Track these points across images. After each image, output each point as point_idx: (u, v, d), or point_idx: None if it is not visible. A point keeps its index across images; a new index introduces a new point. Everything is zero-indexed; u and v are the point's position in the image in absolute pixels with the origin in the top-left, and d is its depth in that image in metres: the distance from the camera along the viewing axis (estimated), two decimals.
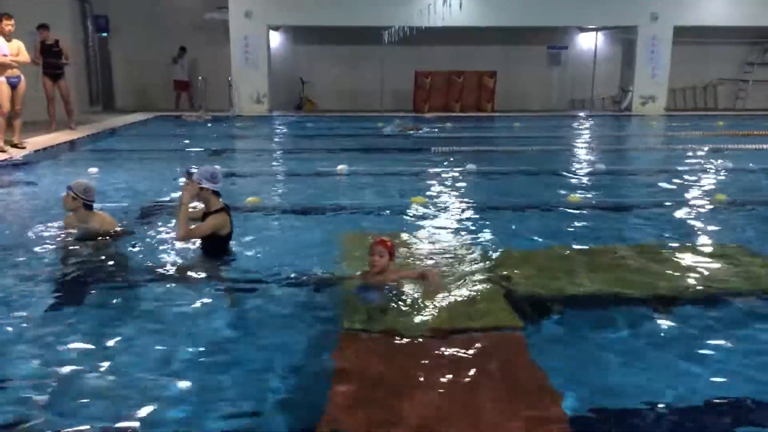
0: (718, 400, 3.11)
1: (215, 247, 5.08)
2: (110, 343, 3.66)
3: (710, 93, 21.12)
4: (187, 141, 12.86)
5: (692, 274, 4.80)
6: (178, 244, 5.22)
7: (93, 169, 9.02)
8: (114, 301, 4.31)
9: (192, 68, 19.57)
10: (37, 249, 5.35)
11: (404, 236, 5.76)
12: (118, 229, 5.70)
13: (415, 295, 4.24)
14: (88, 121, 15.25)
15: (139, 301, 4.33)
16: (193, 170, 5.08)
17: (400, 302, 4.14)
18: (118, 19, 19.43)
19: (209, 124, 16.26)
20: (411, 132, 14.35)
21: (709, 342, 3.72)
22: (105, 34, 19.47)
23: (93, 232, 5.54)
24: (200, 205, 5.17)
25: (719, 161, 10.10)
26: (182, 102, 19.60)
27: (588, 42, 20.98)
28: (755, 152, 11.48)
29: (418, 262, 5.01)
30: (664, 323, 4.00)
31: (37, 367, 3.38)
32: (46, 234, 5.74)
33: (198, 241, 5.15)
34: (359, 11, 17.87)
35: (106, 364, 3.39)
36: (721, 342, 3.73)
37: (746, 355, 3.58)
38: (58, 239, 5.58)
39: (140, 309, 4.18)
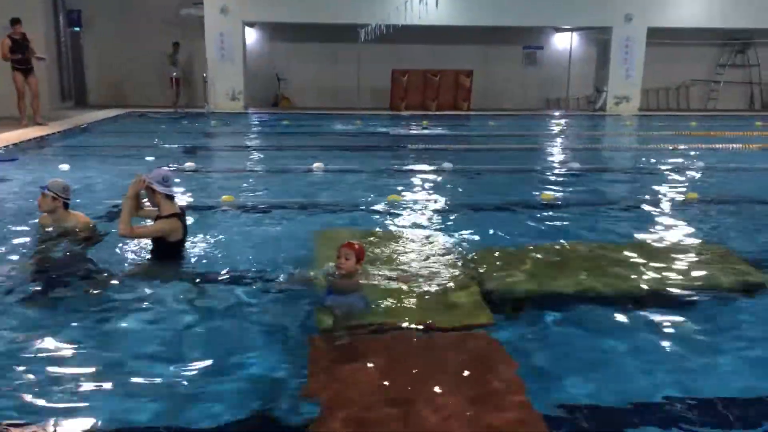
0: (696, 399, 3.14)
1: (164, 252, 4.91)
2: (69, 345, 3.60)
3: (683, 94, 21.43)
4: (160, 138, 12.71)
5: (660, 272, 4.84)
6: (135, 242, 5.10)
7: (64, 166, 8.88)
8: (84, 303, 4.21)
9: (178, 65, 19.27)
10: (12, 249, 5.26)
11: (380, 234, 5.75)
12: (91, 227, 5.61)
13: (385, 298, 4.20)
14: (59, 117, 15.01)
15: (113, 302, 4.23)
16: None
17: (371, 305, 4.10)
18: (91, 14, 19.12)
19: (184, 121, 16.10)
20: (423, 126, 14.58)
21: (677, 339, 3.77)
22: (78, 29, 19.16)
23: (69, 232, 5.45)
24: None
25: (691, 161, 10.24)
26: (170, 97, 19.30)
27: (563, 42, 21.16)
28: (725, 152, 11.67)
29: (393, 260, 5.00)
30: (634, 321, 4.04)
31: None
32: (20, 234, 5.64)
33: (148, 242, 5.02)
34: (336, 8, 17.82)
35: (68, 366, 3.34)
36: (692, 339, 3.78)
37: (721, 352, 3.63)
38: (34, 239, 5.49)
39: (113, 310, 4.10)
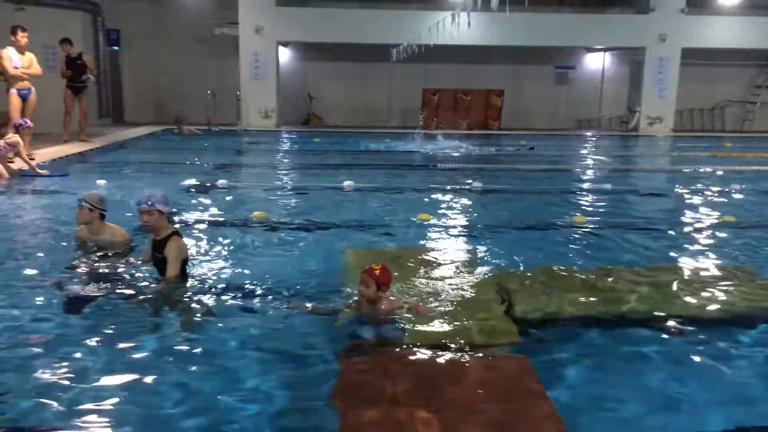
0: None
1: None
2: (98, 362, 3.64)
3: (717, 115, 21.12)
4: (193, 154, 12.93)
5: (694, 296, 4.76)
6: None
7: (101, 182, 9.08)
8: (106, 320, 4.20)
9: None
10: (48, 263, 5.37)
11: (409, 252, 5.76)
12: (126, 241, 5.71)
13: (412, 318, 4.16)
14: (98, 133, 15.36)
15: (133, 321, 4.21)
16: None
17: (392, 332, 4.01)
18: (129, 33, 19.64)
19: (205, 141, 16.35)
20: (529, 149, 14.88)
21: (712, 365, 3.70)
22: (116, 48, 19.66)
23: (105, 245, 5.55)
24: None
25: (726, 182, 10.07)
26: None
27: (596, 62, 21.06)
28: (762, 174, 11.45)
29: (421, 279, 4.99)
30: (664, 344, 3.98)
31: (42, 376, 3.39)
32: (56, 247, 5.78)
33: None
34: (368, 29, 18.01)
35: (101, 381, 3.40)
36: (730, 364, 3.71)
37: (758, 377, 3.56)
38: (70, 252, 5.61)
39: (135, 328, 4.11)
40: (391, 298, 4.30)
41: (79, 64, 13.27)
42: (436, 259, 5.64)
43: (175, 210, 4.92)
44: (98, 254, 5.44)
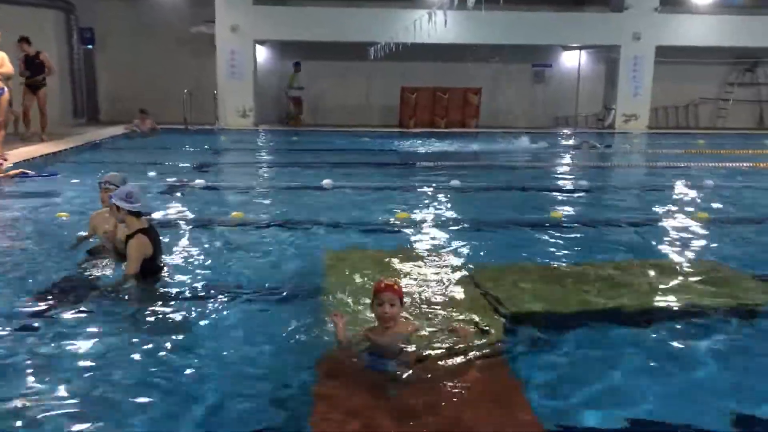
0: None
1: (143, 270, 4.79)
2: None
3: (691, 112, 21.42)
4: (170, 154, 12.81)
5: (670, 291, 4.83)
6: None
7: (74, 181, 8.97)
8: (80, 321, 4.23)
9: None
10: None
11: (389, 253, 5.75)
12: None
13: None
14: (71, 133, 15.16)
15: (102, 322, 4.20)
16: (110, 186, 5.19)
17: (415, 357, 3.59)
18: (103, 32, 19.37)
19: (194, 137, 16.23)
20: (596, 147, 14.99)
21: (684, 358, 3.75)
22: (90, 47, 19.39)
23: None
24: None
25: (700, 179, 10.22)
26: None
27: (572, 60, 21.23)
28: (735, 170, 11.63)
29: (402, 280, 4.99)
30: (645, 341, 4.02)
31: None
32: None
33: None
34: (346, 27, 17.98)
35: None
36: (703, 358, 3.76)
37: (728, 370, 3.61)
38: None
39: (102, 329, 4.09)
40: (401, 319, 3.74)
41: (37, 63, 13.26)
42: (415, 258, 5.64)
43: (136, 204, 4.82)
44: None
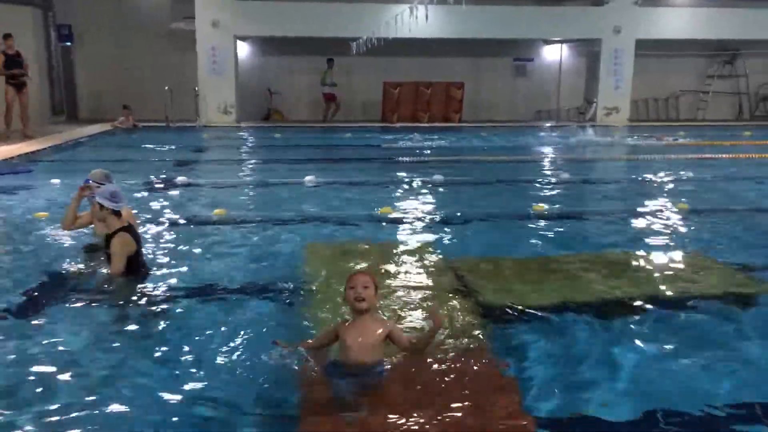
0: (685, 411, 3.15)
1: (126, 268, 4.80)
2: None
3: (672, 104, 21.61)
4: (152, 152, 12.70)
5: (651, 282, 4.88)
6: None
7: (55, 180, 8.87)
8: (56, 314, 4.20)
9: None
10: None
11: (370, 246, 5.76)
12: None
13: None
14: (51, 131, 14.98)
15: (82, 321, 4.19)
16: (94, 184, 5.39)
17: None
18: (81, 29, 19.13)
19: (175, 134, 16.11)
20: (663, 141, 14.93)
21: (659, 347, 3.79)
22: (68, 44, 19.16)
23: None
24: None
25: (681, 171, 10.31)
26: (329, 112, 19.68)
27: (553, 54, 21.32)
28: (715, 162, 11.76)
29: (384, 273, 5.00)
30: (623, 331, 4.06)
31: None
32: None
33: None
34: (327, 22, 17.91)
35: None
36: (686, 349, 3.79)
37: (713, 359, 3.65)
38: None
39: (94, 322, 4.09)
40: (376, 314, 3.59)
41: (19, 61, 13.22)
42: (397, 252, 5.65)
43: (120, 204, 4.83)
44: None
